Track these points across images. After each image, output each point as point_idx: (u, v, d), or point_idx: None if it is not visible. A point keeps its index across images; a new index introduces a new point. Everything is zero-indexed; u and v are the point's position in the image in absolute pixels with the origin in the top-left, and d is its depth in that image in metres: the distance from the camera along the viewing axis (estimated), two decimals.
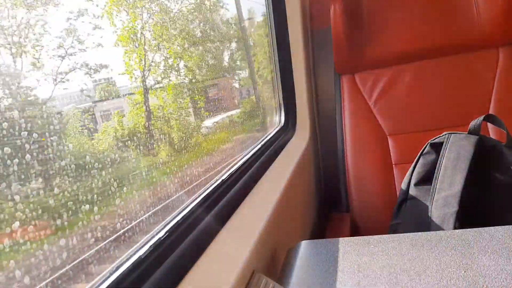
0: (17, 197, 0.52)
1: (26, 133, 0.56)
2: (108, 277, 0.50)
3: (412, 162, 1.18)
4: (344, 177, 1.49)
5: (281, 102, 1.54)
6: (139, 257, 0.54)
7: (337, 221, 1.44)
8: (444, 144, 1.09)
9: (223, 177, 0.89)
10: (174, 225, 0.65)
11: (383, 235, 0.74)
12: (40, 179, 0.59)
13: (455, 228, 0.96)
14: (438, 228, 0.99)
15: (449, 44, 1.39)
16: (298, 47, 1.49)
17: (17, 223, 0.51)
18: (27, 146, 0.56)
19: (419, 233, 0.73)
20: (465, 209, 1.01)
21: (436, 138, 1.13)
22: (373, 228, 1.40)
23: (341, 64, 1.49)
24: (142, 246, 0.57)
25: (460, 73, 1.39)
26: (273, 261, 0.80)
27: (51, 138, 0.62)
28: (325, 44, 1.59)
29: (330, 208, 1.56)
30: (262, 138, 1.30)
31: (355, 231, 1.43)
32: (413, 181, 1.16)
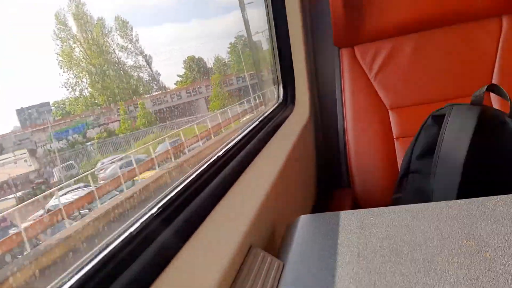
0: None
1: None
2: (99, 253, 0.48)
3: (414, 135, 1.16)
4: (345, 152, 1.47)
5: (280, 77, 1.51)
6: (130, 233, 0.53)
7: (338, 196, 1.43)
8: (446, 116, 1.07)
9: (220, 153, 0.87)
10: (168, 200, 0.63)
11: (383, 207, 0.73)
12: None
13: (457, 199, 0.95)
14: (440, 200, 0.98)
15: (451, 13, 1.35)
16: (296, 20, 1.45)
17: None
18: None
19: (420, 204, 0.72)
20: (467, 181, 1.00)
21: (438, 110, 1.10)
22: (375, 202, 1.39)
23: (340, 36, 1.45)
24: (136, 222, 0.56)
25: (462, 43, 1.36)
26: (272, 236, 0.79)
27: None
28: (324, 16, 1.55)
29: (331, 183, 1.54)
30: (261, 114, 1.28)
31: (357, 206, 1.43)
32: (414, 154, 1.15)
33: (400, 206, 0.73)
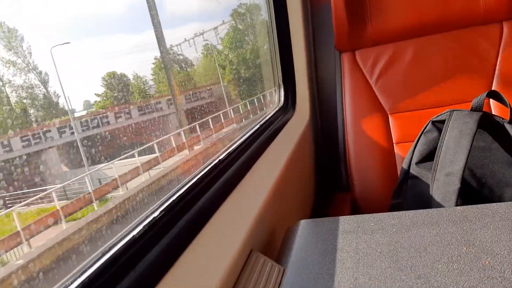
0: None
1: None
2: (101, 257, 0.49)
3: (414, 140, 1.16)
4: (345, 156, 1.47)
5: (280, 81, 1.51)
6: (132, 236, 0.53)
7: (338, 200, 1.44)
8: (446, 121, 1.07)
9: (221, 157, 0.88)
10: (170, 204, 0.64)
11: (383, 213, 0.73)
12: None
13: (457, 206, 0.95)
14: (440, 206, 0.98)
15: (452, 18, 1.35)
16: (298, 25, 1.45)
17: None
18: None
19: (420, 210, 0.72)
20: (467, 187, 1.00)
21: (438, 115, 1.11)
22: (374, 207, 1.39)
23: (341, 41, 1.45)
24: (137, 226, 0.56)
25: (463, 49, 1.36)
26: (271, 240, 0.79)
27: None
28: (325, 21, 1.55)
29: (331, 187, 1.55)
30: (261, 118, 1.29)
31: (356, 211, 1.43)
32: (414, 160, 1.15)
33: (400, 212, 0.73)
